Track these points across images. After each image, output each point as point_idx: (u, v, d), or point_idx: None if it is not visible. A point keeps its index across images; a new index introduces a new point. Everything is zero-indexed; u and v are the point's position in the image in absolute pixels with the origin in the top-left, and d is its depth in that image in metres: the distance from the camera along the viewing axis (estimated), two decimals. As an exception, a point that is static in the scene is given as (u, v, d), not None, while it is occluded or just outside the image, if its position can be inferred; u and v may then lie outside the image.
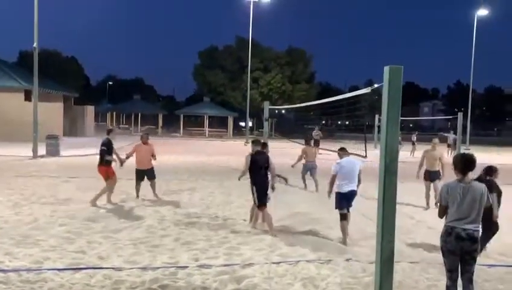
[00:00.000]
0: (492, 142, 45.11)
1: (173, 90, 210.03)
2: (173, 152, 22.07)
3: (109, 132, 9.05)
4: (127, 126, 51.23)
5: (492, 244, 6.27)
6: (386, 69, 4.44)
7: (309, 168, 11.26)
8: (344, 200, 6.58)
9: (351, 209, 6.75)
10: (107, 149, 8.59)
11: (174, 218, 7.84)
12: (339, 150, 7.11)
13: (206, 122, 47.46)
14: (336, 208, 6.66)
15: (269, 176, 7.05)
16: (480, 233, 4.09)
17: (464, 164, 4.11)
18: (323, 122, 55.18)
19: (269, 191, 7.04)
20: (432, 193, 9.28)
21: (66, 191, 10.11)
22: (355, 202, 6.90)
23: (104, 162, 8.63)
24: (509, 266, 5.73)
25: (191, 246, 6.15)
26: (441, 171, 9.40)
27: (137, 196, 9.32)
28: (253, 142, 7.45)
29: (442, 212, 4.19)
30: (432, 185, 9.35)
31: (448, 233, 4.05)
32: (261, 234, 6.90)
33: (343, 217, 6.57)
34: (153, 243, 6.29)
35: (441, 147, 10.57)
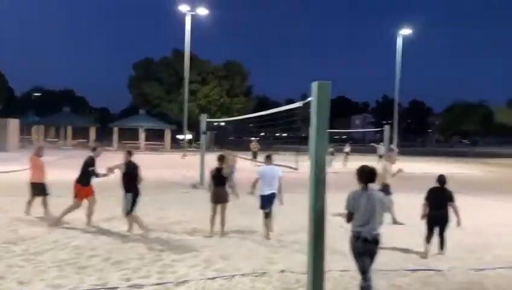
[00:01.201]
0: (419, 152, 48.30)
1: (107, 102, 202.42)
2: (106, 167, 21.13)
3: (94, 149, 8.71)
4: (56, 140, 48.42)
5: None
6: (314, 84, 4.62)
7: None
8: (266, 202, 7.58)
9: (273, 207, 7.75)
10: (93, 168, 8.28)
11: (104, 236, 7.48)
12: (265, 157, 8.02)
13: (142, 135, 46.10)
14: (260, 208, 7.65)
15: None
16: (381, 236, 4.51)
17: (368, 176, 4.51)
18: (262, 134, 56.03)
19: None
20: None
21: (-17, 211, 9.27)
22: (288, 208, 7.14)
23: (84, 182, 8.25)
24: (430, 270, 6.11)
25: (121, 266, 5.90)
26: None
27: (29, 213, 8.83)
28: (127, 152, 7.91)
29: (349, 218, 4.54)
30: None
31: (356, 238, 4.44)
32: (197, 249, 6.80)
33: (266, 216, 7.63)
34: (80, 264, 5.96)
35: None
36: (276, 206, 7.79)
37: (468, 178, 20.22)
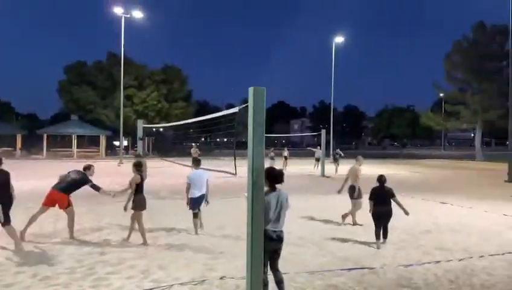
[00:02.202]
0: (354, 155, 50.44)
1: (35, 107, 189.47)
2: (34, 177, 19.88)
3: (87, 168, 8.17)
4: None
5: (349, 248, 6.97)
6: (251, 90, 4.66)
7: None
8: (196, 203, 8.17)
9: (202, 208, 8.41)
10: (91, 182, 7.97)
11: (31, 251, 6.98)
12: (194, 162, 8.54)
13: (75, 142, 43.83)
14: (190, 209, 8.22)
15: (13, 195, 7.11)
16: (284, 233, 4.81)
17: (275, 177, 4.82)
18: (203, 139, 55.55)
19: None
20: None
21: None
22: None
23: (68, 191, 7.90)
24: (364, 268, 6.36)
25: (50, 282, 5.53)
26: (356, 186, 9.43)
27: None
28: None
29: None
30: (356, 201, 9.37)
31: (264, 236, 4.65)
32: (133, 260, 6.55)
33: (195, 216, 8.27)
34: (5, 282, 5.51)
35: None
36: (215, 211, 7.78)
37: (398, 178, 21.44)
